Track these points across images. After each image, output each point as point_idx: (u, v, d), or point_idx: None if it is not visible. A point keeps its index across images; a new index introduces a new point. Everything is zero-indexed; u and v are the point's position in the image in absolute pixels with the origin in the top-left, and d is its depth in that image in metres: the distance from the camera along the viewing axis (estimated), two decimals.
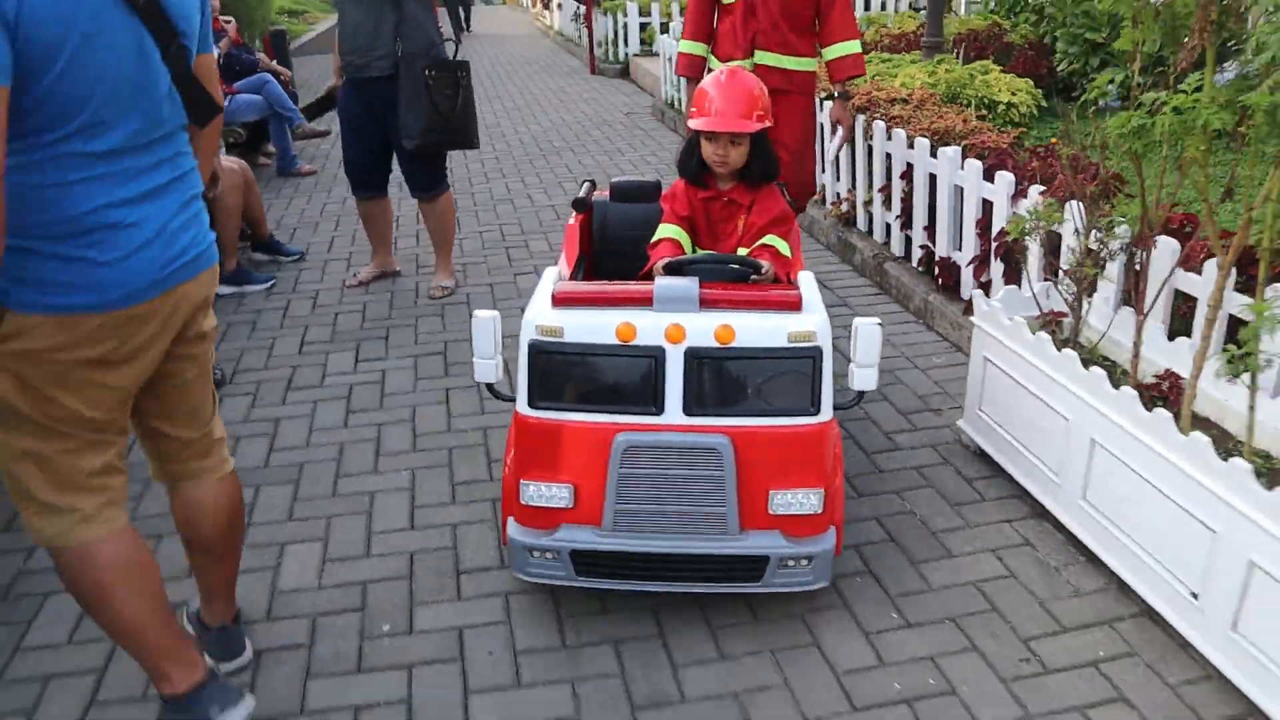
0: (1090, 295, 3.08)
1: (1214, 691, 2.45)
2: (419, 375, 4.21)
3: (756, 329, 2.50)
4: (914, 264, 4.88)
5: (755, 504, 2.57)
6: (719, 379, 2.53)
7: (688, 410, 2.52)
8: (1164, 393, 2.82)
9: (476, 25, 21.60)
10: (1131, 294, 2.91)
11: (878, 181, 5.16)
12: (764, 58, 4.13)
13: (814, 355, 2.51)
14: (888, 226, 5.15)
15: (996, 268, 4.10)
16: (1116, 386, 2.68)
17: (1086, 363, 2.82)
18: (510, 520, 2.68)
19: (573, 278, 3.12)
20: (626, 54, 12.32)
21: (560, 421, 2.56)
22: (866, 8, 11.45)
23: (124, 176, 1.99)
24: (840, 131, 4.55)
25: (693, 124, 2.97)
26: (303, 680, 2.56)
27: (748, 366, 2.52)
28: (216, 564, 2.50)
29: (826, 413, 2.58)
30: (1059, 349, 2.90)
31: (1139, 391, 2.66)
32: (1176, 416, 2.59)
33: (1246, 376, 2.39)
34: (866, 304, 4.86)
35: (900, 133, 4.85)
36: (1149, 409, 2.57)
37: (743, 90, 2.94)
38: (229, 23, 7.70)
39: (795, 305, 2.56)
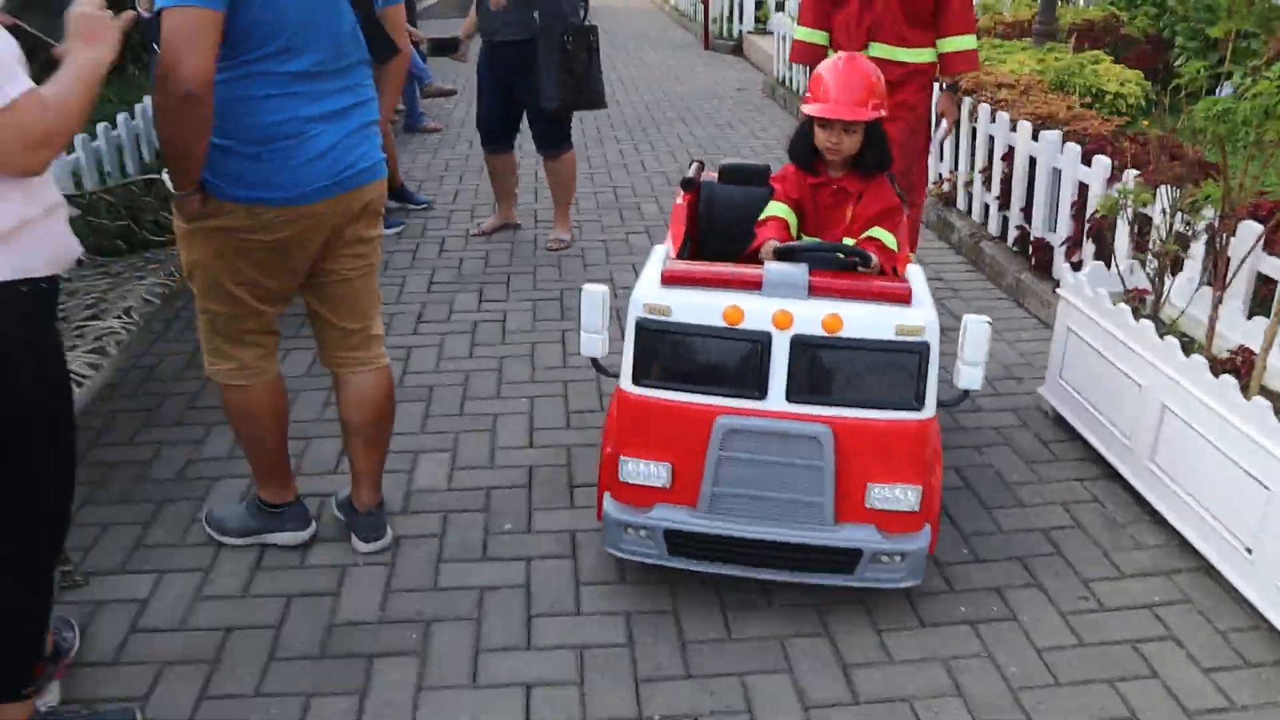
0: (1174, 273, 3.28)
1: (1262, 640, 2.66)
2: (537, 317, 4.58)
3: (864, 320, 2.49)
4: (1009, 244, 5.07)
5: (852, 496, 2.57)
6: (824, 368, 2.52)
7: (790, 397, 2.52)
8: (1236, 366, 3.02)
9: None
10: (1212, 274, 3.09)
11: (979, 163, 5.35)
12: (878, 50, 4.02)
13: (921, 350, 2.50)
14: (986, 207, 5.33)
15: (1089, 249, 4.28)
16: (1188, 356, 2.89)
17: (1161, 334, 3.03)
18: (606, 496, 2.72)
19: (678, 258, 3.06)
20: (740, 30, 12.50)
21: (662, 400, 2.57)
22: None
23: (310, 97, 2.45)
24: (944, 123, 4.61)
25: (806, 109, 2.95)
26: (435, 563, 2.95)
27: (853, 357, 2.52)
28: (367, 448, 2.92)
29: (930, 409, 2.56)
30: (1138, 322, 3.12)
31: (1212, 363, 2.87)
32: (1245, 387, 2.80)
33: None
34: (960, 280, 5.06)
35: (1004, 116, 5.02)
36: (1216, 377, 2.78)
37: (860, 77, 2.91)
38: None
39: (905, 298, 2.55)
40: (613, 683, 2.51)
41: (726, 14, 12.99)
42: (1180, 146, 3.70)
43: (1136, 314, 3.20)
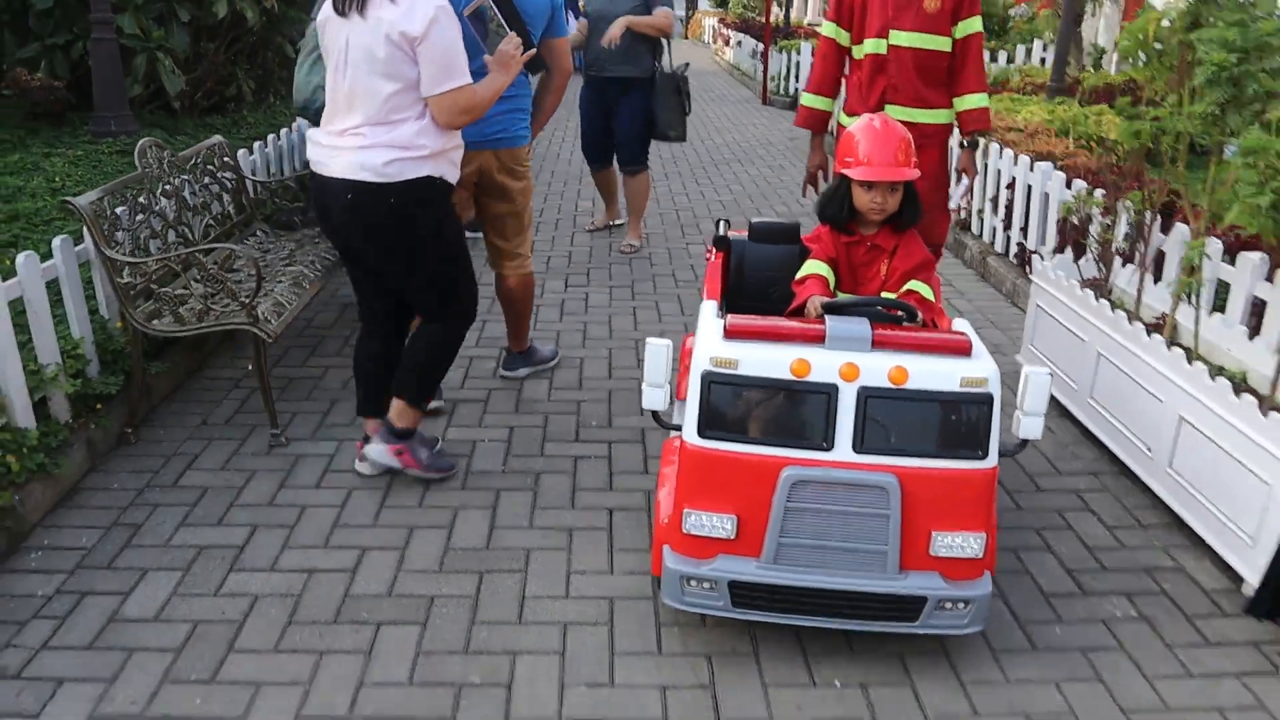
0: (1114, 258, 4.23)
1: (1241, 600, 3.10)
2: (612, 298, 5.63)
3: (930, 372, 2.52)
4: (1009, 257, 6.03)
5: (917, 544, 2.59)
6: (890, 419, 2.53)
7: (857, 448, 2.52)
8: (1159, 325, 3.95)
9: None
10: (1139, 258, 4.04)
11: (989, 193, 6.33)
12: (894, 112, 4.07)
13: (986, 401, 2.53)
14: (994, 229, 6.30)
15: (1067, 256, 5.23)
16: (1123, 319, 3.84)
17: (1097, 295, 3.98)
18: (666, 549, 2.72)
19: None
20: (797, 88, 13.67)
21: (729, 452, 2.56)
22: (998, 59, 12.47)
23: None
24: (965, 180, 4.53)
25: (851, 174, 3.01)
26: (541, 441, 3.95)
27: (920, 409, 2.53)
28: (515, 319, 4.32)
29: (993, 458, 2.58)
30: (1082, 292, 4.07)
31: (1136, 322, 3.81)
32: (1151, 331, 3.73)
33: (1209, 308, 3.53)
34: (969, 288, 6.02)
35: (1009, 152, 6.02)
36: (1149, 336, 3.72)
37: (897, 138, 3.00)
38: None
39: (965, 350, 2.58)
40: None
41: (784, 73, 14.17)
42: (1142, 173, 4.66)
43: (1096, 294, 4.16)
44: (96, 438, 3.72)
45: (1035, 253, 5.36)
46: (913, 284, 3.04)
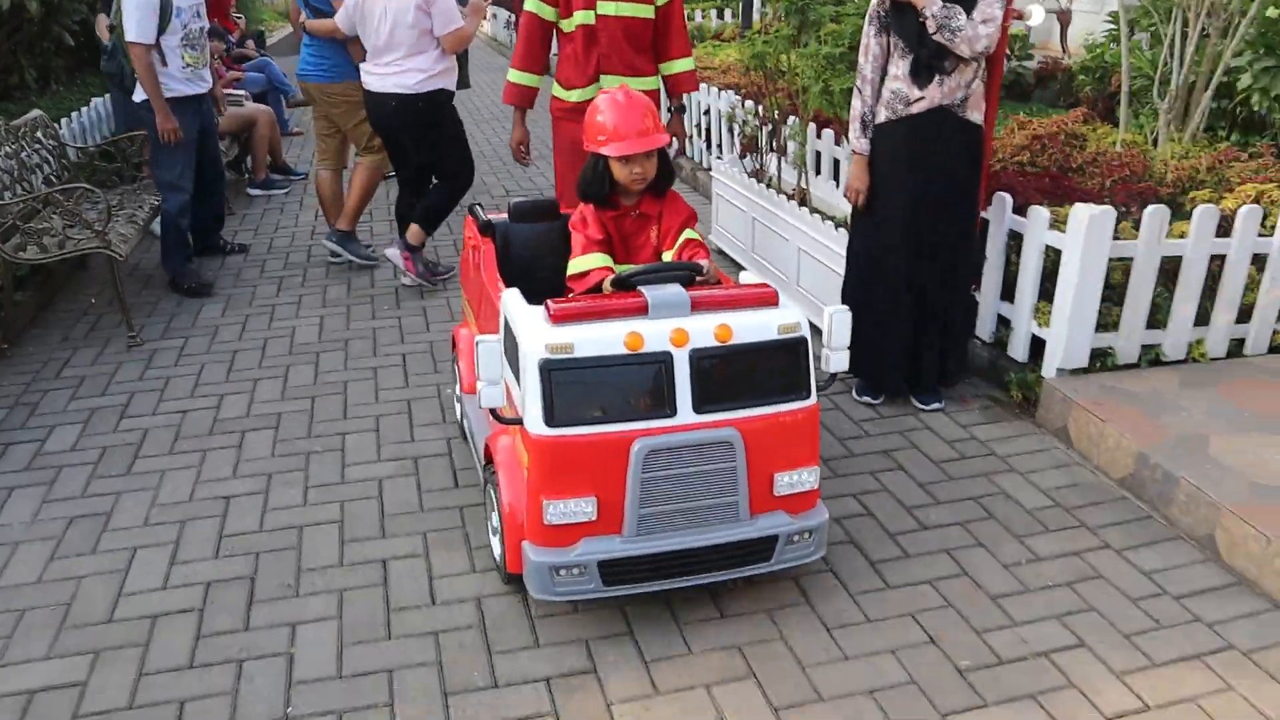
0: (760, 151, 5.79)
1: None
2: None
3: (750, 325, 2.64)
4: (704, 166, 7.61)
5: (762, 488, 2.73)
6: (722, 375, 2.64)
7: (698, 409, 2.61)
8: (793, 194, 5.52)
9: None
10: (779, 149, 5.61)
11: (694, 119, 7.89)
12: (609, 81, 4.18)
13: (802, 344, 2.70)
14: (700, 149, 7.87)
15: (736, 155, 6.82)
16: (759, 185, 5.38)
17: (758, 180, 5.52)
18: (525, 545, 2.71)
19: None
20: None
21: (579, 436, 2.57)
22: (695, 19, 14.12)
23: None
24: (675, 143, 4.55)
25: (607, 151, 3.03)
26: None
27: (746, 360, 2.65)
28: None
29: (814, 395, 2.75)
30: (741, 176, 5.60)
31: (781, 192, 5.35)
32: (777, 192, 5.28)
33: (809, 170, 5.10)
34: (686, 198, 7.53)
35: (704, 85, 7.56)
36: (789, 200, 5.27)
37: (641, 106, 3.06)
38: (239, 18, 10.22)
39: (774, 300, 2.73)
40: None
41: None
42: (769, 85, 6.23)
43: (758, 179, 5.70)
44: None
45: (718, 157, 6.91)
46: (686, 233, 3.17)
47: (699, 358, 2.59)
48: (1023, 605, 2.96)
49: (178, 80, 5.29)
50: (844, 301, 4.14)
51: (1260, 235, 3.98)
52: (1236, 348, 4.17)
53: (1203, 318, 4.06)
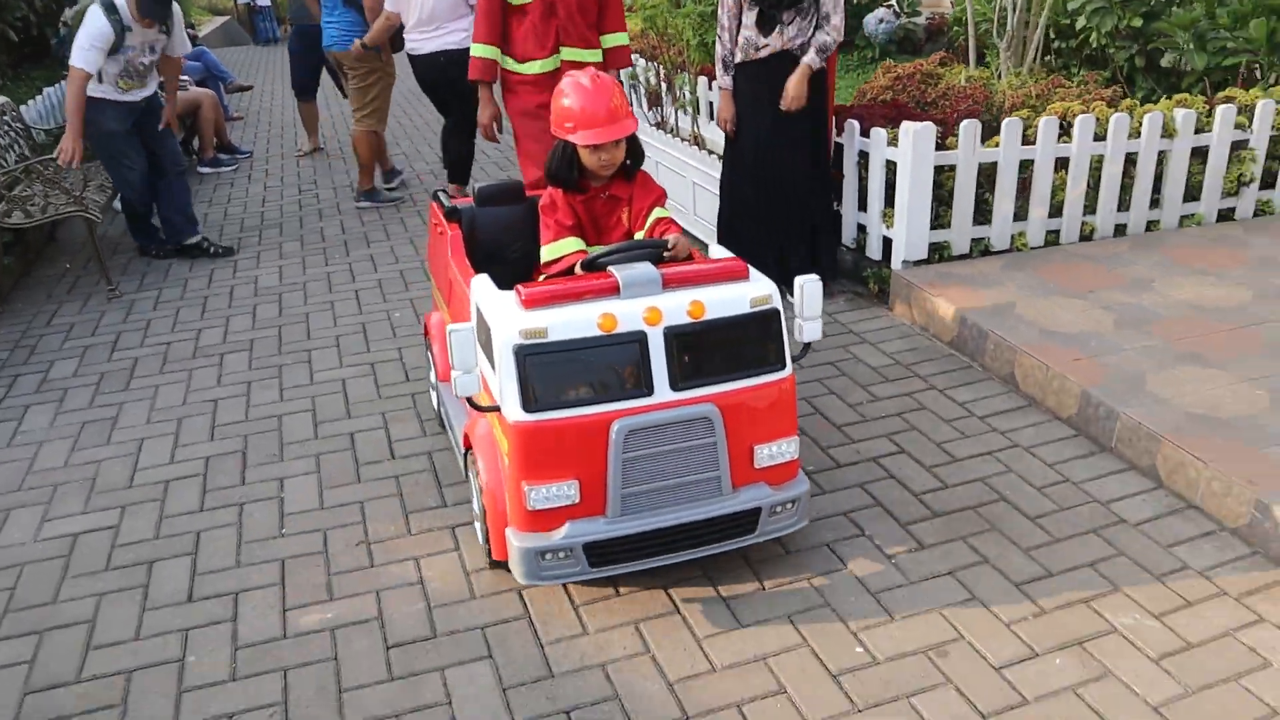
0: (660, 104, 6.54)
1: None
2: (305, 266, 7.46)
3: (722, 300, 2.63)
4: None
5: (743, 461, 2.73)
6: (697, 351, 2.63)
7: (675, 386, 2.60)
8: (688, 138, 6.28)
9: None
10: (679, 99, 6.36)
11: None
12: (569, 54, 4.35)
13: (775, 316, 2.70)
14: None
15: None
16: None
17: (660, 129, 6.27)
18: (510, 531, 2.72)
19: None
20: None
21: (557, 420, 2.56)
22: None
23: None
24: None
25: (576, 139, 2.95)
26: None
27: (720, 335, 2.64)
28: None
29: (789, 366, 2.74)
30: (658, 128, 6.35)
31: (683, 139, 6.10)
32: (675, 137, 6.04)
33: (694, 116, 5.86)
34: None
35: None
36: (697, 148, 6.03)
37: (609, 91, 2.97)
38: None
39: (744, 273, 2.73)
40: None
41: None
42: (662, 43, 6.98)
43: (661, 128, 6.45)
44: None
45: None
46: (656, 212, 3.13)
47: (674, 335, 2.60)
48: (863, 429, 3.78)
49: (111, 92, 5.46)
50: (720, 221, 4.93)
51: (1063, 143, 4.82)
52: (1054, 239, 5.02)
53: (1024, 214, 4.90)
